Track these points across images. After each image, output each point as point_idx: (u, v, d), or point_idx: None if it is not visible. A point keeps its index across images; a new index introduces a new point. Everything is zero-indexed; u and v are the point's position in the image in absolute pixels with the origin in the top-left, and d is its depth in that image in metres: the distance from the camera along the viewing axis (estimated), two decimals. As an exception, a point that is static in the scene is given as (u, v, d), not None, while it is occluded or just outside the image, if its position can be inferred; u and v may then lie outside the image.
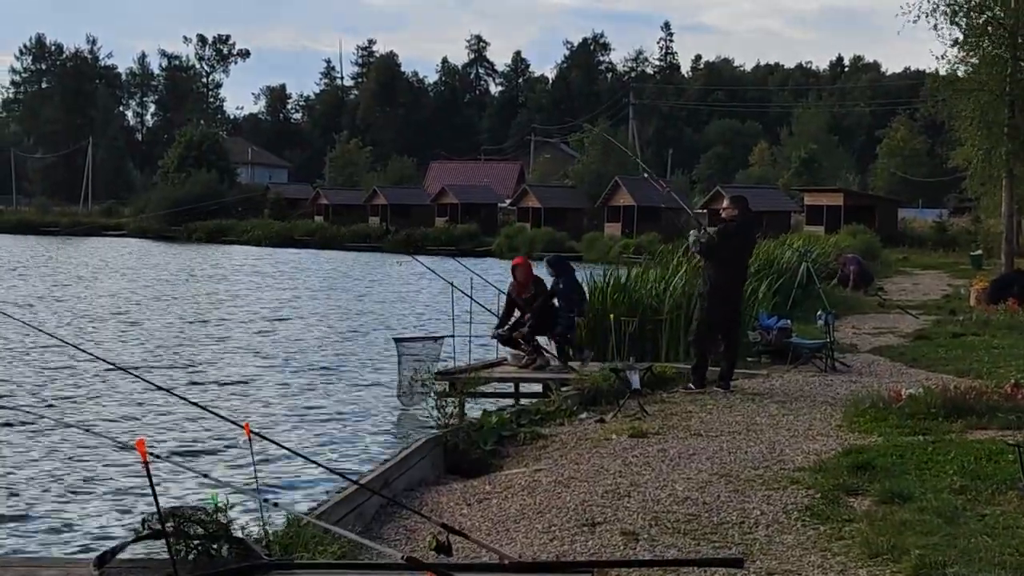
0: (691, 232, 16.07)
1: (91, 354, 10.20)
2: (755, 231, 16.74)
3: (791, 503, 9.22)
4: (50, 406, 17.27)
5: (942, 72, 37.50)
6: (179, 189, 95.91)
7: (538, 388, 17.22)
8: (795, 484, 9.81)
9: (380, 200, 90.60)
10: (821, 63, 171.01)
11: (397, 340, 17.17)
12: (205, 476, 6.62)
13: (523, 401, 16.53)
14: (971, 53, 35.50)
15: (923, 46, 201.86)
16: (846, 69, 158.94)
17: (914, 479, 9.66)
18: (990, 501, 8.96)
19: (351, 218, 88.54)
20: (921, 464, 10.21)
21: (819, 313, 19.67)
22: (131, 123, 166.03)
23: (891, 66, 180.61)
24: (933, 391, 13.10)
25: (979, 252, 47.54)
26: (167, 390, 8.61)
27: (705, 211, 70.30)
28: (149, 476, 5.74)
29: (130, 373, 9.05)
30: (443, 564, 6.22)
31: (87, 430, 11.79)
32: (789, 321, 19.18)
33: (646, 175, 24.53)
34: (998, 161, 35.29)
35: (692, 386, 15.19)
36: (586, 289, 18.65)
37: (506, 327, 17.09)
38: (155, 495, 5.81)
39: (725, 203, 16.06)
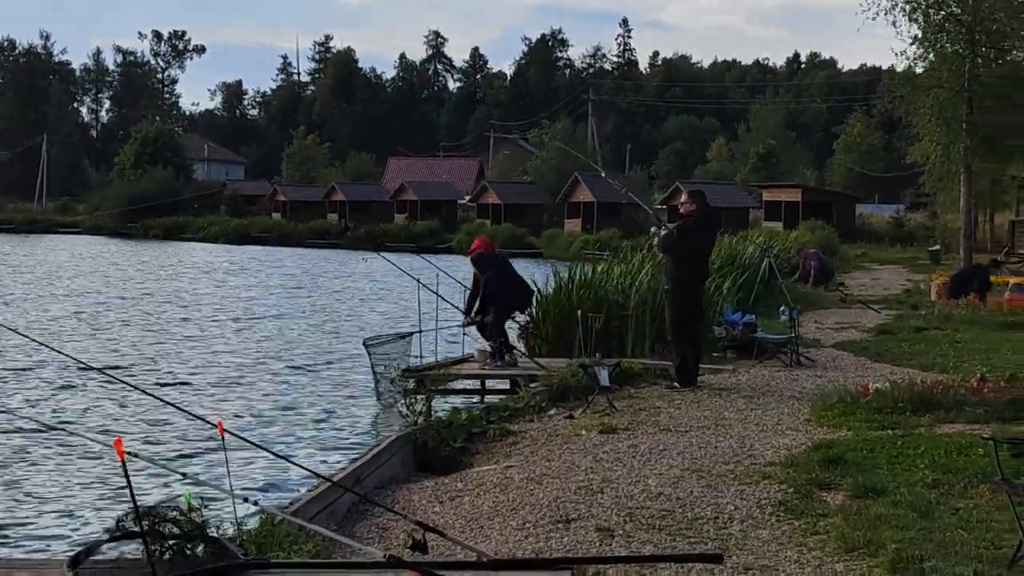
0: (651, 228, 16.08)
1: (63, 353, 10.09)
2: (716, 226, 16.68)
3: (764, 498, 9.23)
4: (22, 406, 17.08)
5: (899, 68, 37.81)
6: (135, 186, 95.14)
7: (505, 385, 17.20)
8: (767, 479, 9.83)
9: (338, 196, 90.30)
10: (778, 60, 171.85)
11: (366, 344, 17.10)
12: (183, 476, 6.55)
13: (490, 398, 16.52)
14: (929, 50, 35.77)
15: (879, 43, 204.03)
16: (803, 66, 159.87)
17: (886, 473, 9.69)
18: (963, 495, 9.00)
19: (309, 215, 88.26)
20: (892, 458, 10.24)
21: (782, 308, 19.78)
22: (86, 119, 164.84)
23: (847, 63, 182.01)
24: (900, 385, 13.18)
25: (937, 247, 47.93)
26: (140, 389, 8.52)
27: (664, 207, 70.49)
28: (127, 475, 5.67)
29: (102, 372, 8.94)
30: (425, 562, 6.18)
31: (62, 429, 11.64)
32: (754, 316, 19.24)
33: (603, 175, 24.53)
34: (956, 157, 35.59)
35: (677, 384, 15.08)
36: (532, 284, 18.53)
37: (473, 314, 17.05)
38: (132, 494, 5.74)
39: (683, 198, 16.02)
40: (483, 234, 18.57)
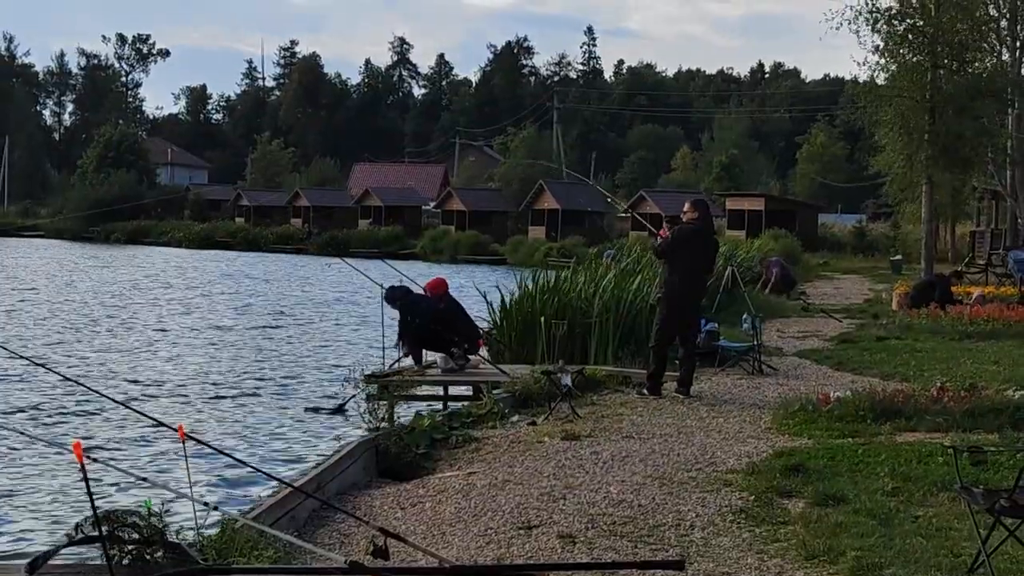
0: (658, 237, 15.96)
1: (24, 357, 10.01)
2: (714, 235, 16.43)
3: (725, 505, 9.26)
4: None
5: (862, 78, 37.98)
6: (98, 190, 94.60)
7: (468, 391, 17.20)
8: (728, 486, 9.86)
9: (302, 202, 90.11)
10: (742, 69, 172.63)
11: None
12: (143, 480, 6.51)
13: (453, 404, 16.50)
14: (891, 61, 35.97)
15: (843, 52, 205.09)
16: (767, 75, 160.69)
17: (847, 481, 9.74)
18: (923, 503, 9.06)
19: (273, 220, 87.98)
20: (853, 466, 10.30)
21: (744, 316, 19.81)
22: (49, 123, 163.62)
23: (811, 72, 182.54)
24: (861, 394, 13.24)
25: (899, 257, 48.25)
26: (100, 392, 8.47)
27: (629, 215, 70.51)
28: (86, 479, 5.63)
29: (64, 377, 8.87)
30: (386, 568, 6.16)
31: (20, 432, 11.54)
32: (716, 324, 19.27)
33: (626, 212, 24.30)
34: (918, 167, 35.76)
35: (646, 392, 14.99)
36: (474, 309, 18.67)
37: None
38: (92, 498, 5.70)
39: (686, 207, 15.59)
40: (441, 278, 18.51)
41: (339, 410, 16.90)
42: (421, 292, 17.49)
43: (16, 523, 11.06)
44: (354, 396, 16.52)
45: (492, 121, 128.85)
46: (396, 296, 17.19)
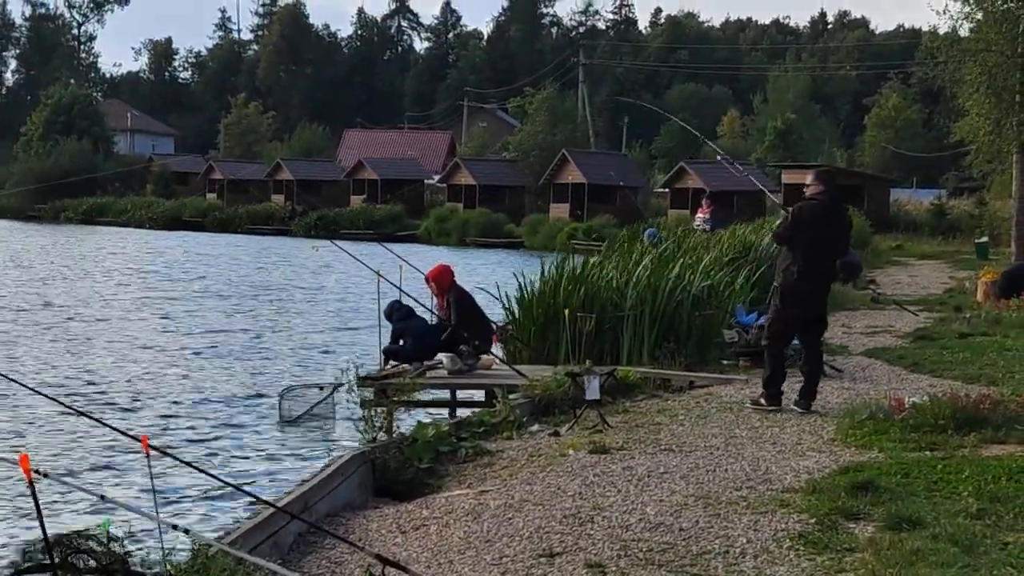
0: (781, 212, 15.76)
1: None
2: (846, 212, 15.62)
3: (782, 529, 9.27)
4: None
5: (943, 29, 37.89)
6: (45, 161, 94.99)
7: (480, 396, 17.26)
8: (785, 507, 9.87)
9: (285, 175, 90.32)
10: (801, 19, 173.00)
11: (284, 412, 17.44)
12: (101, 498, 6.54)
13: (462, 411, 16.57)
14: (977, 8, 35.88)
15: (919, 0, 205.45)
16: (829, 26, 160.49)
17: (924, 502, 9.74)
18: (1013, 527, 9.04)
19: (250, 196, 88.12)
20: (931, 484, 10.29)
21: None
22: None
23: (882, 23, 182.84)
24: (940, 400, 13.19)
25: (985, 239, 48.12)
26: (51, 398, 8.51)
27: (667, 191, 70.66)
28: (34, 497, 5.66)
29: (9, 379, 8.88)
30: (384, 601, 6.20)
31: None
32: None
33: (719, 158, 23.94)
34: (1008, 133, 35.68)
35: (763, 402, 14.64)
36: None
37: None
38: (41, 519, 5.74)
39: (808, 179, 15.15)
40: (444, 265, 18.57)
41: (325, 417, 16.97)
42: (425, 319, 17.65)
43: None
44: (346, 400, 16.59)
45: (507, 80, 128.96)
46: (392, 316, 17.40)
